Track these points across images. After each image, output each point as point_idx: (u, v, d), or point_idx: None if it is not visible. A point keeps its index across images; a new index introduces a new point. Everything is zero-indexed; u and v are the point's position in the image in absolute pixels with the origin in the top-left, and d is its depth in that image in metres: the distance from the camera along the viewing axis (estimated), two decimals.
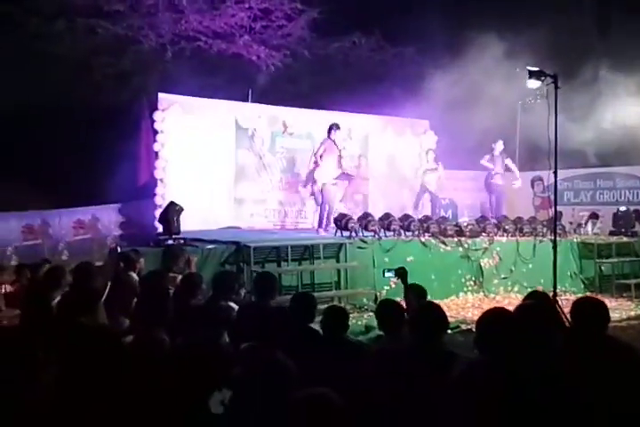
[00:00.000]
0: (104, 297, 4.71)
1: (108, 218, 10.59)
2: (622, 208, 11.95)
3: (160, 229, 8.56)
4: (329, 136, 9.57)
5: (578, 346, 2.83)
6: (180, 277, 5.34)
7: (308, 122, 11.48)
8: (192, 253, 6.87)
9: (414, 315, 3.16)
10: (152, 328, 3.23)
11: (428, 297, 4.42)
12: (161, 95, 10.21)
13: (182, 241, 7.89)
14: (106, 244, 9.96)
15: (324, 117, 11.27)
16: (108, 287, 5.21)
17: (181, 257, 6.09)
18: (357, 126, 12.04)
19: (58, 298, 4.22)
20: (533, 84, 7.17)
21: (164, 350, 3.12)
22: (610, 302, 8.09)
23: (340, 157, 9.66)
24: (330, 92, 13.99)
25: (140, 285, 5.14)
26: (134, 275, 5.58)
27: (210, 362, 2.91)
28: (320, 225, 9.58)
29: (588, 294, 9.59)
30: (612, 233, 11.55)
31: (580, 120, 11.49)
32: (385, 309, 3.53)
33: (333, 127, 9.59)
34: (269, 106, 11.43)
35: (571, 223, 12.05)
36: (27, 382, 2.25)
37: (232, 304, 4.59)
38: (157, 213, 9.22)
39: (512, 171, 11.61)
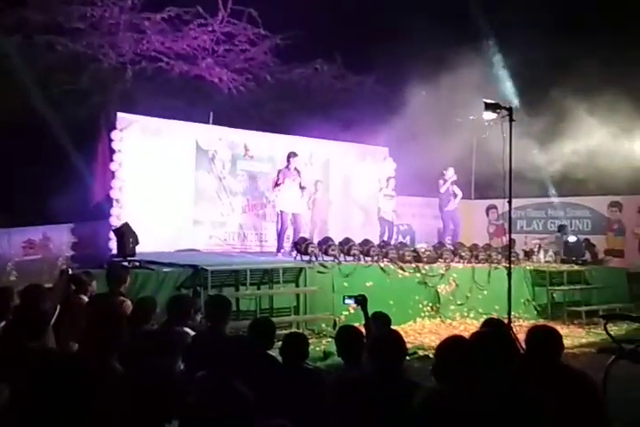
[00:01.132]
0: (53, 321, 4.52)
1: (59, 238, 10.27)
2: (572, 238, 12.33)
3: (114, 250, 8.34)
4: (287, 165, 9.70)
5: (532, 374, 2.86)
6: (127, 300, 5.13)
7: (270, 146, 11.52)
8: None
9: (373, 342, 3.14)
10: (102, 355, 3.10)
11: None
12: (120, 115, 10.08)
13: (137, 263, 7.69)
14: (57, 265, 9.62)
15: (286, 142, 11.35)
16: (58, 310, 5.00)
17: (125, 277, 5.81)
18: (318, 152, 12.15)
19: (4, 322, 4.03)
20: (489, 116, 7.40)
21: (115, 377, 3.00)
22: (561, 329, 8.21)
23: (300, 184, 9.74)
24: (291, 117, 14.09)
25: (87, 308, 4.94)
26: (85, 298, 5.39)
27: (162, 391, 2.81)
28: (279, 249, 9.75)
29: (541, 320, 9.78)
30: (563, 261, 11.88)
31: (536, 149, 11.90)
32: (345, 335, 3.50)
33: (291, 155, 9.75)
34: (230, 128, 11.42)
35: (524, 251, 12.34)
36: None
37: (188, 330, 4.47)
38: (112, 234, 9.00)
39: (457, 195, 11.85)
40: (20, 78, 12.03)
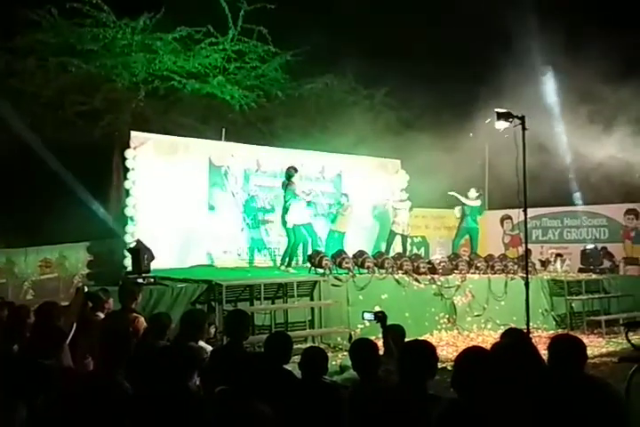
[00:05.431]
0: (70, 338, 4.53)
1: (75, 256, 10.36)
2: (589, 246, 12.19)
3: (129, 267, 8.39)
4: (290, 180, 9.72)
5: (555, 384, 2.80)
6: (140, 317, 5.12)
7: (281, 161, 11.55)
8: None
9: (401, 355, 3.03)
10: (110, 371, 3.06)
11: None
12: (133, 133, 10.19)
13: (152, 279, 7.72)
14: (73, 283, 9.70)
15: (297, 157, 11.38)
16: (74, 328, 5.01)
17: (137, 294, 5.79)
18: (330, 165, 12.16)
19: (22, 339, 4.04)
20: (501, 125, 7.36)
21: (124, 394, 2.95)
22: (581, 339, 8.11)
23: (305, 197, 9.79)
24: (303, 132, 14.16)
25: (101, 326, 4.94)
26: (102, 315, 5.39)
27: (175, 407, 2.80)
28: (283, 262, 9.72)
29: (560, 331, 9.65)
30: (580, 270, 11.73)
31: (547, 158, 11.81)
32: (359, 349, 3.45)
33: (291, 170, 9.77)
34: (243, 144, 11.49)
35: (540, 261, 12.21)
36: None
37: (204, 344, 4.46)
38: (127, 252, 9.05)
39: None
40: (36, 100, 12.24)
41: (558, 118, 12.31)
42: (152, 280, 7.68)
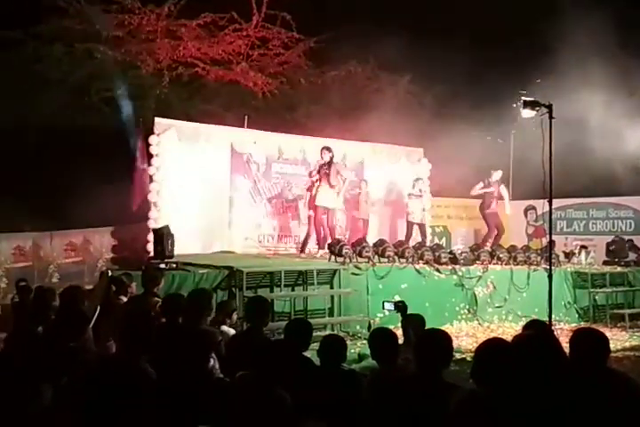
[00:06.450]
0: (93, 321, 4.61)
1: (100, 241, 10.52)
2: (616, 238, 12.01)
3: (152, 252, 8.48)
4: (323, 160, 9.70)
5: (577, 378, 2.77)
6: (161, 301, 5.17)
7: (303, 148, 11.55)
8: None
9: (418, 343, 3.02)
10: (133, 355, 3.08)
11: None
12: (157, 119, 10.26)
13: (174, 265, 7.80)
14: (97, 267, 9.86)
15: (319, 144, 11.35)
16: (98, 311, 5.10)
17: (159, 279, 5.81)
18: (352, 154, 12.11)
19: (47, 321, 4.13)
20: (528, 113, 7.23)
21: (147, 378, 2.96)
22: (604, 332, 8.00)
23: (329, 179, 9.76)
24: (325, 119, 14.09)
25: (123, 309, 5.01)
26: (125, 299, 5.48)
27: (191, 389, 2.83)
28: (303, 249, 9.69)
29: (583, 324, 9.54)
30: (605, 263, 11.55)
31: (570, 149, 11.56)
32: (378, 338, 3.45)
33: (323, 150, 9.80)
34: (265, 132, 11.49)
35: (564, 253, 12.05)
36: (14, 412, 2.17)
37: (227, 329, 4.51)
38: (150, 236, 9.16)
39: (503, 199, 11.59)
40: (62, 86, 12.38)
41: (589, 106, 11.97)
42: (174, 266, 7.76)
